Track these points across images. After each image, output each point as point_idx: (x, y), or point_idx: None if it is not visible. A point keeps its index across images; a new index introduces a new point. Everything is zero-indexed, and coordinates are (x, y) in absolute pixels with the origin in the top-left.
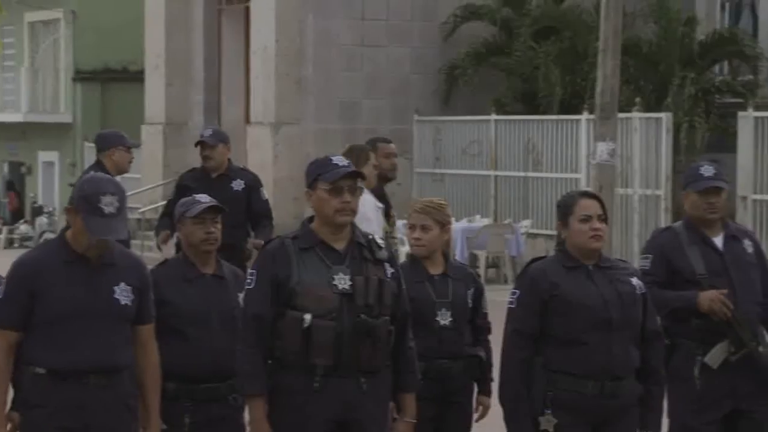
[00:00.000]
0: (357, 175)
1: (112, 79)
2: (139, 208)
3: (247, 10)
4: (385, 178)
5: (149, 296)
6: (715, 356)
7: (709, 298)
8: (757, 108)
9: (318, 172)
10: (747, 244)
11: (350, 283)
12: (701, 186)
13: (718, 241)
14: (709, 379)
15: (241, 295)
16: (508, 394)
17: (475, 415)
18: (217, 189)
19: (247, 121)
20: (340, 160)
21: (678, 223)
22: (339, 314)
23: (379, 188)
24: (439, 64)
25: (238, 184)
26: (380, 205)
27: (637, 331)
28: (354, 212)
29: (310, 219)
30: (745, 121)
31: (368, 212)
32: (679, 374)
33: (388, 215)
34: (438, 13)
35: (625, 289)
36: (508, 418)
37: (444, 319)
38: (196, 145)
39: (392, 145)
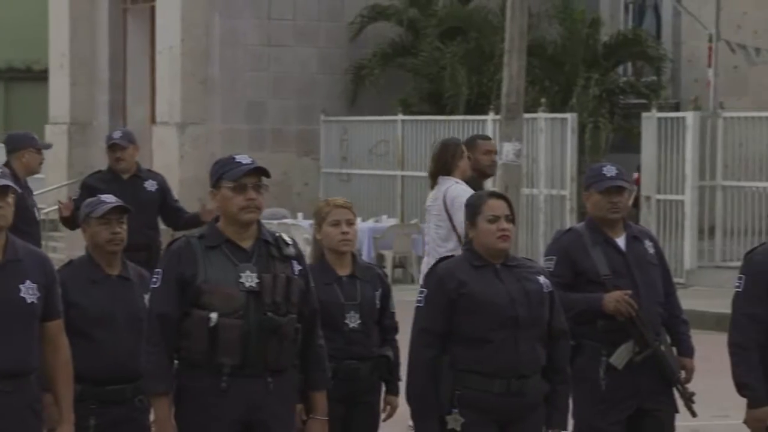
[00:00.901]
0: (261, 172)
1: (15, 79)
2: (44, 209)
3: (152, 9)
4: (483, 173)
5: (56, 291)
6: (619, 357)
7: (615, 299)
8: (661, 109)
9: (221, 171)
10: (648, 244)
11: (257, 280)
12: (603, 186)
13: (621, 241)
14: (613, 379)
15: (147, 296)
16: (416, 393)
17: (383, 415)
18: (130, 191)
19: (153, 121)
20: (243, 158)
21: (581, 224)
22: (246, 312)
23: (477, 183)
24: (345, 65)
25: (151, 185)
26: None
27: (544, 329)
28: (259, 209)
29: (216, 218)
30: (649, 121)
31: (465, 201)
32: (584, 375)
33: None
34: (345, 14)
35: (532, 288)
36: (416, 417)
37: (353, 321)
38: (109, 147)
39: (491, 142)
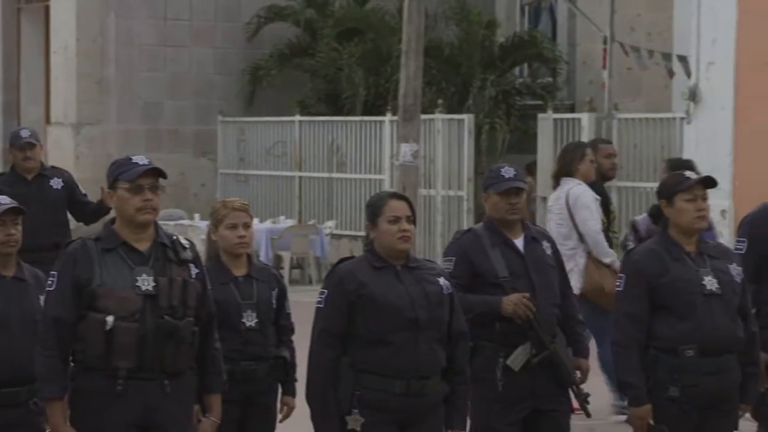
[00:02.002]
0: (157, 173)
1: None
2: None
3: (47, 9)
4: (604, 176)
5: None
6: (517, 359)
7: (513, 302)
8: (556, 110)
9: (118, 172)
10: (546, 245)
11: (154, 284)
12: (502, 187)
13: (519, 242)
14: (510, 380)
15: (42, 298)
16: (316, 394)
17: (280, 416)
18: (37, 190)
19: (48, 121)
20: (140, 159)
21: (479, 225)
22: (142, 316)
23: (598, 185)
24: (242, 65)
25: (56, 183)
26: (597, 197)
27: (444, 330)
28: (156, 210)
29: (113, 220)
30: (545, 123)
31: (588, 202)
32: (481, 376)
33: (608, 210)
34: (241, 14)
35: (432, 289)
36: (316, 418)
37: (250, 320)
38: (19, 147)
39: (612, 146)
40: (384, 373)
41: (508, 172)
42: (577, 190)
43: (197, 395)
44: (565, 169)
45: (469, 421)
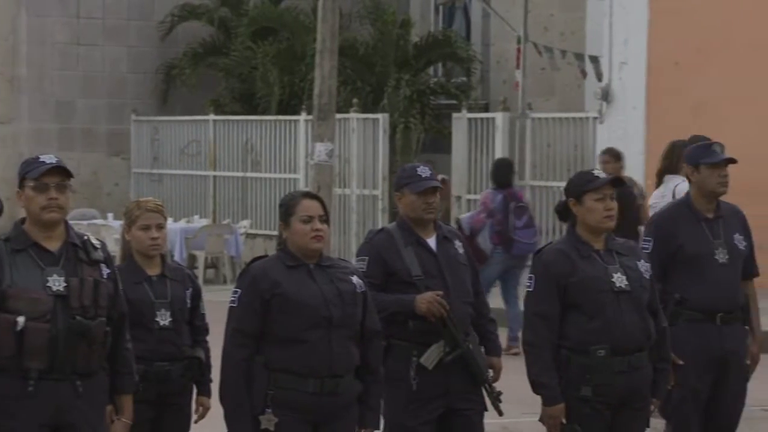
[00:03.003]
0: (62, 171)
1: None
2: None
3: None
4: None
5: None
6: (430, 357)
7: (427, 300)
8: (471, 109)
9: (25, 171)
10: (458, 245)
11: (65, 284)
12: (420, 187)
13: (432, 242)
14: (424, 379)
15: None
16: (229, 394)
17: (195, 416)
18: None
19: None
20: (48, 158)
21: (392, 225)
22: (53, 316)
23: None
24: (156, 64)
25: None
26: None
27: (357, 329)
28: (62, 209)
29: (23, 220)
30: (459, 122)
31: None
32: (395, 375)
33: None
34: (155, 13)
35: (346, 288)
36: (229, 418)
37: (164, 319)
38: None
39: None
40: (297, 373)
41: (424, 171)
42: (684, 186)
43: (110, 396)
44: (669, 166)
45: (383, 420)
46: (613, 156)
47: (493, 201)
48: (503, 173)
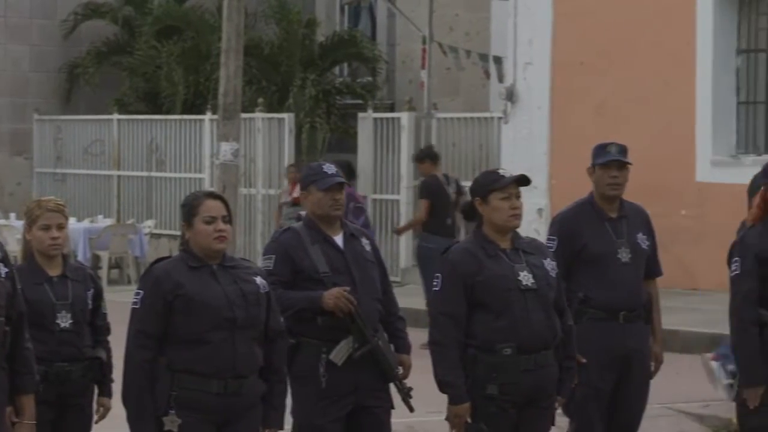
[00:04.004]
0: None
1: None
2: None
3: None
4: None
5: None
6: (339, 353)
7: (334, 296)
8: (376, 109)
9: None
10: (365, 242)
11: None
12: (326, 183)
13: (339, 240)
14: (333, 376)
15: None
16: (132, 395)
17: (96, 417)
18: None
19: None
20: None
21: (299, 223)
22: None
23: None
24: (59, 63)
25: None
26: None
27: (261, 329)
28: None
29: None
30: (365, 122)
31: None
32: (304, 373)
33: None
34: (58, 11)
35: (249, 288)
36: (132, 419)
37: (64, 321)
38: None
39: None
40: (201, 373)
41: (329, 168)
42: None
43: (9, 396)
44: None
45: (290, 419)
46: (426, 154)
47: None
48: (345, 175)
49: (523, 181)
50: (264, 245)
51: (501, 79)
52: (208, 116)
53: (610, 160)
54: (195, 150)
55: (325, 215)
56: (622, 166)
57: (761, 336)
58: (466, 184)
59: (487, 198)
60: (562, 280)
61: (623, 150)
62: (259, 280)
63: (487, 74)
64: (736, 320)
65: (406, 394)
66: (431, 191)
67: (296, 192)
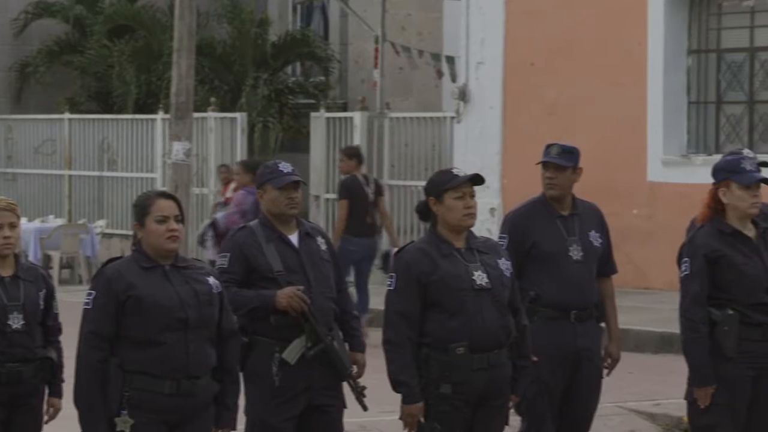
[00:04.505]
0: None
1: None
2: None
3: None
4: None
5: None
6: (292, 352)
7: (287, 295)
8: (329, 109)
9: None
10: (320, 241)
11: None
12: (282, 182)
13: (294, 238)
14: (287, 374)
15: None
16: (83, 396)
17: (46, 417)
18: None
19: None
20: None
21: (254, 222)
22: None
23: None
24: (10, 62)
25: None
26: None
27: (214, 330)
28: None
29: None
30: (318, 121)
31: None
32: (257, 372)
33: None
34: (8, 9)
35: (202, 289)
36: (83, 420)
37: (16, 322)
38: None
39: None
40: (154, 374)
41: (285, 167)
42: None
43: None
44: None
45: (244, 418)
46: (346, 154)
47: (246, 202)
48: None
49: (477, 180)
50: None
51: (454, 78)
52: (160, 116)
53: (545, 161)
54: (147, 149)
55: (281, 213)
56: (559, 167)
57: (711, 336)
58: (419, 183)
59: (441, 197)
60: (516, 279)
61: (565, 151)
62: (211, 280)
63: (440, 74)
64: (686, 320)
65: (359, 393)
66: (350, 191)
67: (228, 192)
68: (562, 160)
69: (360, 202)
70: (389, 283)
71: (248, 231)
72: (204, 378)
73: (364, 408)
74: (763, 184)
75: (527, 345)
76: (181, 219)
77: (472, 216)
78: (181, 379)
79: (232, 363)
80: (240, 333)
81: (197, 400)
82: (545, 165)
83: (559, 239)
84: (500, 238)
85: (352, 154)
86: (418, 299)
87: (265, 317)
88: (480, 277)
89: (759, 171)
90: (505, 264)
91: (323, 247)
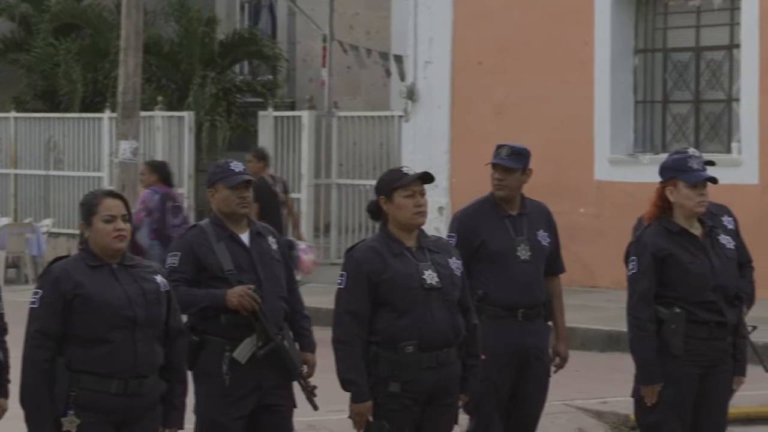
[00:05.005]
0: None
1: None
2: None
3: None
4: None
5: None
6: (243, 351)
7: (238, 294)
8: (277, 108)
9: None
10: (271, 241)
11: None
12: (234, 181)
13: (245, 237)
14: (237, 374)
15: None
16: (30, 396)
17: None
18: None
19: None
20: None
21: (205, 221)
22: None
23: None
24: None
25: None
26: None
27: (161, 329)
28: None
29: None
30: (265, 120)
31: None
32: (208, 371)
33: None
34: None
35: (150, 287)
36: (30, 421)
37: None
38: None
39: None
40: (101, 373)
41: (237, 166)
42: None
43: None
44: None
45: (193, 418)
46: (255, 156)
47: (152, 201)
48: (168, 174)
49: (427, 178)
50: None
51: (402, 77)
52: (107, 114)
53: (494, 163)
54: (94, 148)
55: (233, 213)
56: (508, 169)
57: (659, 334)
58: (367, 182)
59: (391, 196)
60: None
61: (515, 153)
62: (159, 278)
63: (388, 73)
64: (634, 318)
65: (310, 393)
66: (261, 193)
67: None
68: (512, 162)
69: (272, 203)
70: (339, 281)
71: (199, 230)
72: (151, 377)
73: (315, 407)
74: (709, 183)
75: (477, 344)
76: (128, 218)
77: (423, 214)
78: (128, 379)
79: (179, 362)
80: (189, 332)
81: (144, 400)
82: (495, 166)
83: (507, 239)
84: (449, 236)
85: (262, 156)
86: (368, 298)
87: (215, 316)
88: (430, 277)
89: (705, 170)
90: (455, 263)
91: (274, 246)
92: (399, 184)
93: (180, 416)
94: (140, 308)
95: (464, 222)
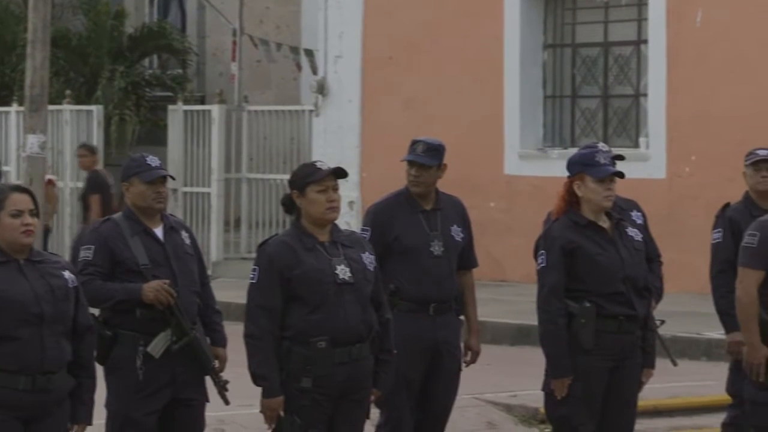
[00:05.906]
0: None
1: None
2: None
3: None
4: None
5: None
6: (157, 346)
7: (154, 288)
8: (186, 102)
9: None
10: (184, 235)
11: None
12: (150, 176)
13: (159, 232)
14: (151, 368)
15: None
16: None
17: None
18: None
19: None
20: None
21: (119, 214)
22: None
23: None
24: None
25: None
26: None
27: (69, 325)
28: None
29: None
30: (175, 114)
31: None
32: (121, 365)
33: None
34: None
35: (57, 283)
36: None
37: None
38: None
39: None
40: (8, 370)
41: (153, 161)
42: None
43: None
44: None
45: (104, 413)
46: (89, 150)
47: None
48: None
49: (340, 173)
50: (71, 239)
51: (315, 71)
52: (14, 108)
53: (409, 160)
54: (1, 142)
55: (148, 207)
56: (423, 166)
57: (569, 328)
58: (278, 176)
59: (304, 191)
60: (380, 273)
61: (431, 149)
62: (67, 274)
63: (299, 67)
64: (543, 312)
65: (222, 387)
66: (99, 186)
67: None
68: (427, 159)
69: (108, 195)
70: (252, 276)
71: (112, 223)
72: (59, 373)
73: (227, 402)
74: (617, 178)
75: (390, 339)
76: (36, 213)
77: (336, 209)
78: (36, 375)
79: (87, 358)
80: (102, 326)
81: (52, 396)
82: (410, 163)
83: (421, 234)
84: (363, 230)
85: (94, 150)
86: (280, 293)
87: (130, 310)
88: (343, 271)
89: (613, 164)
90: (368, 258)
91: (187, 241)
92: (312, 179)
93: (89, 412)
94: (48, 305)
95: (378, 216)
